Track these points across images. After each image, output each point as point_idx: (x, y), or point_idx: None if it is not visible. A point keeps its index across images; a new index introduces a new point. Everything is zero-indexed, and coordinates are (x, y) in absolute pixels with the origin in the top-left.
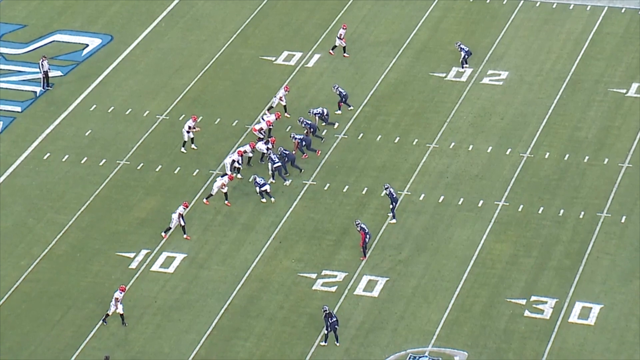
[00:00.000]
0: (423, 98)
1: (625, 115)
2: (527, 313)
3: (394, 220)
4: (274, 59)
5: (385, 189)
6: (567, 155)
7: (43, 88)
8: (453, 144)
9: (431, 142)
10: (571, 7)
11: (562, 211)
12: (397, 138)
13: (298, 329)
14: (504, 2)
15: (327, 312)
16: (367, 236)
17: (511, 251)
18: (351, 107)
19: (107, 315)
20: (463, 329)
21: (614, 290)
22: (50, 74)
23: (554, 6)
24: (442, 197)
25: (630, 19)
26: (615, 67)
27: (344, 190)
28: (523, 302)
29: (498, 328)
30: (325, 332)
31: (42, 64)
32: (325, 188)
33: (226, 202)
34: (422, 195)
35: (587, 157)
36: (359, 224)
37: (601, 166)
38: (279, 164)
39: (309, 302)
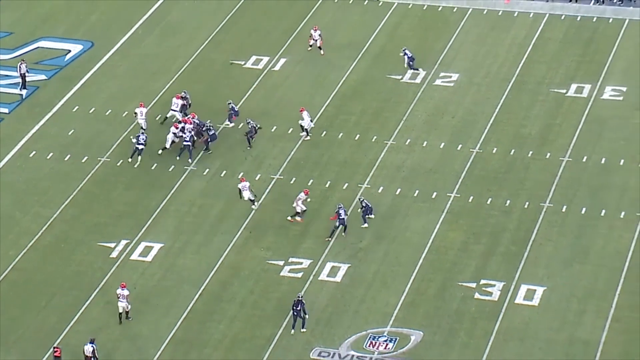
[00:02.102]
0: (381, 98)
1: (565, 113)
2: (477, 295)
3: (365, 225)
4: (243, 62)
5: (361, 201)
6: (512, 150)
7: (20, 90)
8: (409, 140)
9: (389, 139)
10: (515, 15)
11: (508, 202)
12: (357, 135)
13: (267, 312)
14: (455, 10)
15: (297, 299)
16: (339, 221)
17: (462, 239)
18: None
19: (121, 314)
20: (419, 311)
21: (556, 274)
22: (32, 78)
23: (500, 14)
24: (399, 190)
25: (569, 25)
26: (556, 69)
27: (309, 184)
28: (473, 285)
29: (451, 309)
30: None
31: (19, 67)
32: (292, 182)
33: (299, 218)
34: (381, 188)
35: (531, 152)
36: (340, 207)
37: (544, 160)
38: (189, 143)
39: (277, 287)
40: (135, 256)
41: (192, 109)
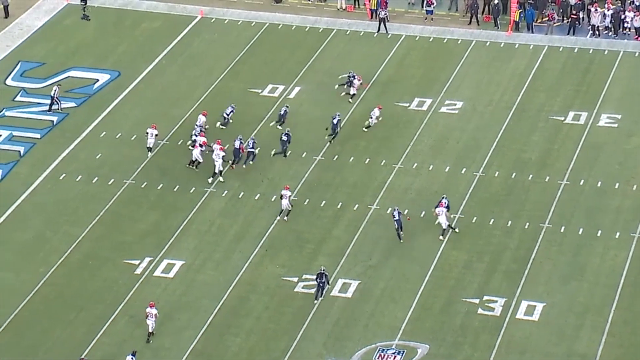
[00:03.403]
0: (389, 124)
1: (563, 139)
2: (480, 311)
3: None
4: (260, 91)
5: (444, 198)
6: (514, 174)
7: (49, 110)
8: (415, 164)
9: (397, 162)
10: (516, 46)
11: (510, 222)
12: (367, 159)
13: (282, 326)
14: (459, 42)
15: (320, 272)
16: (396, 223)
17: (466, 257)
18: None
19: (150, 333)
20: (425, 325)
21: (555, 291)
22: (63, 105)
23: (502, 45)
24: (406, 211)
25: (567, 57)
26: (555, 97)
27: (322, 205)
28: (476, 301)
29: (455, 324)
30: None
31: (54, 91)
32: (305, 203)
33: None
34: (389, 209)
35: (531, 176)
36: (395, 209)
37: (543, 183)
38: (253, 149)
39: (291, 302)
40: (158, 273)
41: (210, 133)
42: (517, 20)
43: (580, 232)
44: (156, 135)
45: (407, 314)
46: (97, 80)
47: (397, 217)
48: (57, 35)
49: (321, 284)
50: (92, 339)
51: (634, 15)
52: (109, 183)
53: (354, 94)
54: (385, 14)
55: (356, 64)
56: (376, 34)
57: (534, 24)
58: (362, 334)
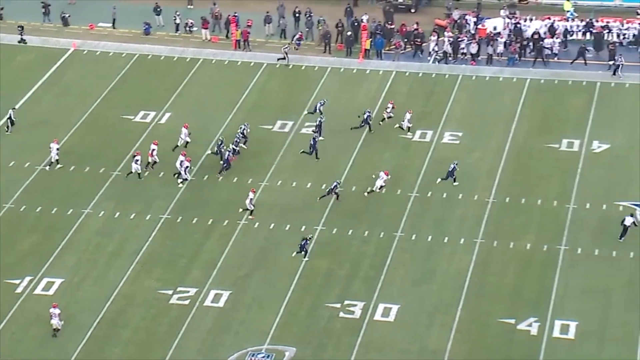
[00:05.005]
0: (255, 145)
1: (412, 156)
2: (341, 314)
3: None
4: (132, 117)
5: (455, 164)
6: (369, 188)
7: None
8: (280, 182)
9: (263, 180)
10: (368, 72)
11: (366, 232)
12: (236, 178)
13: (158, 336)
14: (316, 69)
15: (305, 237)
16: (329, 191)
17: (328, 265)
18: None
19: (54, 330)
20: (292, 329)
21: (408, 293)
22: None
23: (354, 71)
24: (272, 225)
25: (413, 80)
26: (403, 117)
27: (193, 221)
28: (338, 305)
29: (319, 327)
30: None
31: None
32: (178, 220)
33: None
34: (257, 223)
35: (384, 189)
36: (338, 182)
37: (395, 196)
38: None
39: (167, 313)
40: (38, 291)
41: (86, 158)
42: (368, 48)
43: (429, 240)
44: (57, 149)
45: (275, 319)
46: None
47: (332, 187)
48: None
49: (302, 245)
50: None
51: (469, 42)
52: None
53: (408, 126)
54: (287, 49)
55: (222, 91)
56: (240, 62)
57: (382, 51)
58: (233, 340)
